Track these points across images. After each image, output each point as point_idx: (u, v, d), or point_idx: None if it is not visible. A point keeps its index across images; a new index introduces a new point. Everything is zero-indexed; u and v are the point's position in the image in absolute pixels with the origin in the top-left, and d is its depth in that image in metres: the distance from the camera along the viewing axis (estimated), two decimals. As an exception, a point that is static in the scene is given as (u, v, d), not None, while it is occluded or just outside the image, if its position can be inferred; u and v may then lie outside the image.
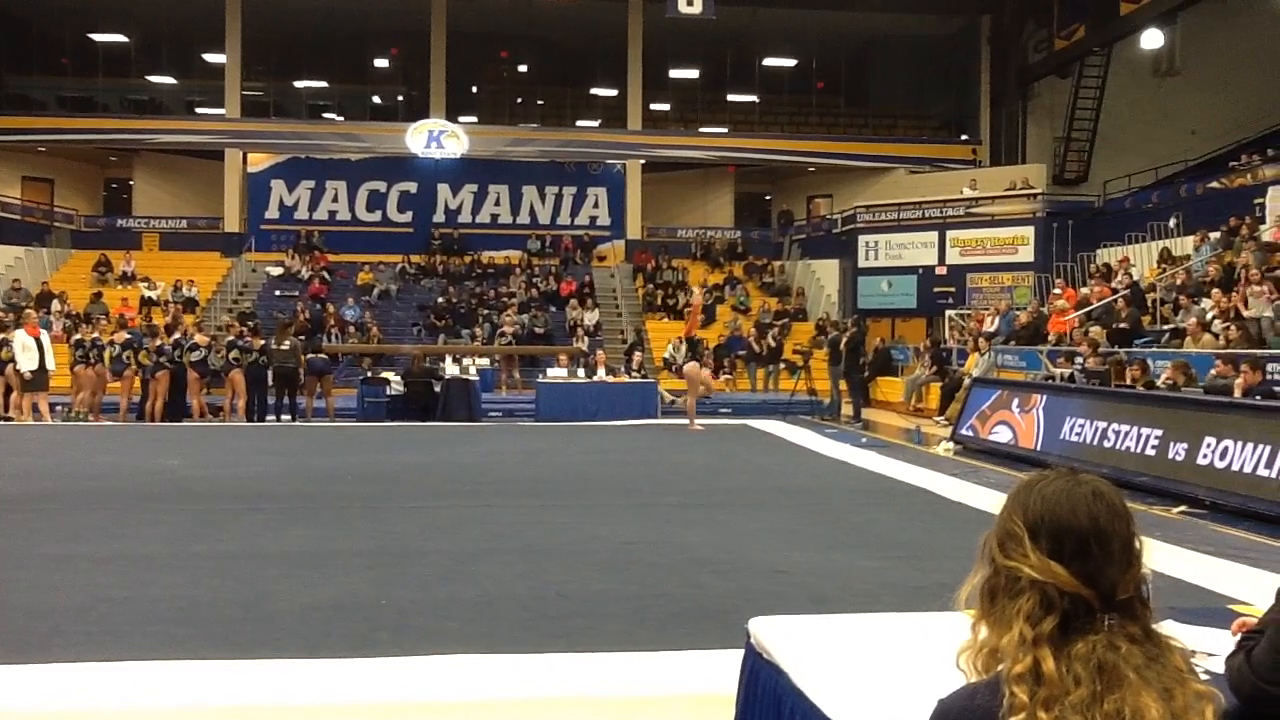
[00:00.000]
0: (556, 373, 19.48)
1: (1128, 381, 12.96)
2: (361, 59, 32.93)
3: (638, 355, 22.65)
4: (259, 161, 30.55)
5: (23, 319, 17.58)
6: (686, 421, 16.45)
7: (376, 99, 34.61)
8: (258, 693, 4.39)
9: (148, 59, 31.85)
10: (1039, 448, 12.48)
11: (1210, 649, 2.32)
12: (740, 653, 3.18)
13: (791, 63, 33.12)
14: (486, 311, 26.18)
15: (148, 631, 5.29)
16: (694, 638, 5.11)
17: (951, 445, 14.24)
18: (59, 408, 17.87)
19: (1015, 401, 13.50)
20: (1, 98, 30.45)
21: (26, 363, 16.37)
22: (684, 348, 18.28)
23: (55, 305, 23.66)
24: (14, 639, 5.13)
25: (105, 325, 19.78)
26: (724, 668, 3.91)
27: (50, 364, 16.71)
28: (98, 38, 30.49)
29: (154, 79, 32.54)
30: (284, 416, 17.98)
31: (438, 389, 18.16)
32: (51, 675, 4.51)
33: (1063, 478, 1.58)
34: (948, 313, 23.49)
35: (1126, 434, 10.98)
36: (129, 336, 18.19)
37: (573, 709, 4.32)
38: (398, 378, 18.77)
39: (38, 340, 16.45)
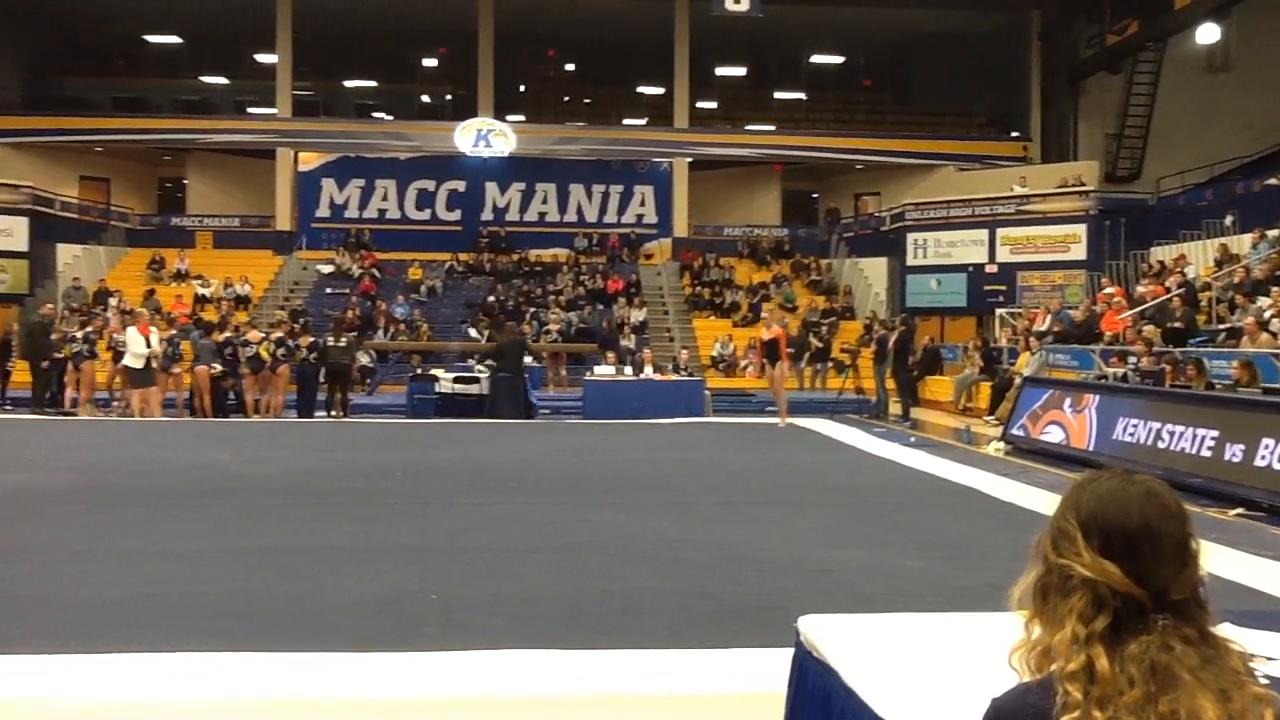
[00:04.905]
0: (604, 370, 19.51)
1: (1183, 381, 12.76)
2: (410, 59, 33.20)
3: (685, 353, 22.63)
4: (310, 160, 30.88)
5: (135, 317, 18.03)
6: (747, 421, 16.54)
7: (425, 98, 34.89)
8: (306, 685, 4.43)
9: (200, 60, 32.32)
10: (1091, 448, 12.31)
11: (1270, 653, 2.28)
12: (786, 651, 3.17)
13: (838, 60, 32.94)
14: (533, 309, 26.27)
15: (198, 624, 5.36)
16: (738, 636, 5.09)
17: (1002, 445, 14.09)
18: (113, 403, 18.19)
19: (1067, 401, 13.33)
20: (59, 99, 30.99)
21: (135, 360, 16.75)
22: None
23: (112, 302, 24.04)
24: (70, 630, 5.22)
25: (160, 322, 20.07)
26: (770, 666, 3.90)
27: (155, 362, 17.11)
28: (151, 39, 30.96)
29: (206, 79, 33.05)
30: (333, 412, 18.17)
31: (487, 388, 18.20)
32: (105, 665, 4.59)
33: (1116, 477, 1.56)
34: (998, 311, 23.25)
35: (1181, 435, 10.81)
36: (174, 333, 18.51)
37: (617, 706, 4.32)
38: (448, 374, 18.86)
39: (147, 339, 16.83)
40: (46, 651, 4.74)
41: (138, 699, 4.30)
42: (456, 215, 31.23)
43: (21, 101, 29.75)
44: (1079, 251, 24.26)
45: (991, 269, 25.30)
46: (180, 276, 27.57)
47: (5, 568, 6.60)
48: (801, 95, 33.76)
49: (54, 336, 18.24)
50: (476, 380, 18.40)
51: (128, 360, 16.88)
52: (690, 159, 30.89)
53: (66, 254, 27.11)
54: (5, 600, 5.81)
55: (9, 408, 18.34)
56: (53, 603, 5.79)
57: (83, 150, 29.93)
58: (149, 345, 16.83)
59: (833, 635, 2.84)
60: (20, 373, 18.82)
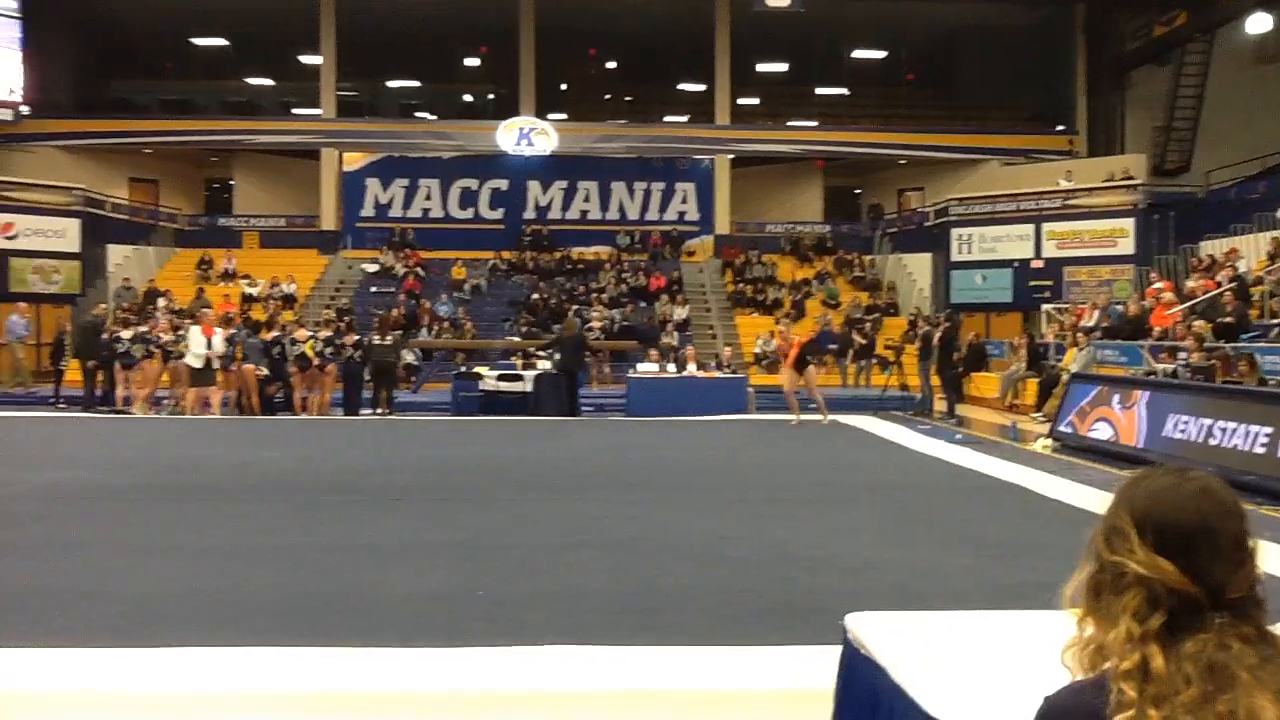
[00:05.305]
0: (647, 368, 19.52)
1: (1234, 377, 12.57)
2: (452, 58, 33.37)
3: (728, 350, 22.58)
4: (354, 160, 31.13)
5: (200, 317, 18.39)
6: (785, 417, 16.49)
7: (467, 98, 35.07)
8: (354, 680, 4.47)
9: (246, 62, 32.67)
10: (1141, 445, 12.16)
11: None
12: (831, 648, 3.17)
13: (880, 54, 32.71)
14: (576, 307, 26.33)
15: (247, 619, 5.43)
16: (784, 633, 5.09)
17: (1049, 442, 13.94)
18: (164, 402, 18.46)
19: (1116, 398, 13.17)
20: (109, 102, 31.48)
21: (196, 359, 17.07)
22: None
23: (161, 302, 24.38)
24: (120, 624, 5.31)
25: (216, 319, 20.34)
26: (816, 663, 3.89)
27: (216, 362, 17.40)
28: (198, 42, 31.36)
29: (252, 81, 33.40)
30: (379, 410, 18.32)
31: (530, 386, 18.27)
32: (155, 659, 4.65)
33: (1171, 474, 1.55)
34: (1044, 307, 23.00)
35: (1233, 431, 10.65)
36: (233, 332, 18.78)
37: (664, 702, 4.33)
38: (492, 372, 18.96)
39: (210, 339, 17.15)
40: (97, 645, 4.82)
41: (188, 692, 4.36)
42: (499, 214, 31.35)
43: (73, 105, 30.23)
44: (1127, 246, 23.94)
45: (1037, 264, 25.04)
46: (228, 276, 27.90)
47: (57, 563, 6.73)
48: (844, 91, 33.56)
49: (104, 336, 18.54)
50: (520, 378, 18.49)
51: (189, 359, 17.19)
52: (732, 156, 30.82)
53: (117, 254, 27.51)
54: (57, 594, 5.91)
55: (63, 406, 18.65)
56: (103, 597, 5.89)
57: (132, 152, 30.38)
58: (210, 346, 17.13)
59: (881, 632, 2.84)
60: (74, 371, 19.13)
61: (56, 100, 29.41)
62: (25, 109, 27.36)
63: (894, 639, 2.76)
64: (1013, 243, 25.47)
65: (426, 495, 9.63)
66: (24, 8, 26.74)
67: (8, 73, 26.82)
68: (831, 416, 16.51)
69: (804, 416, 16.38)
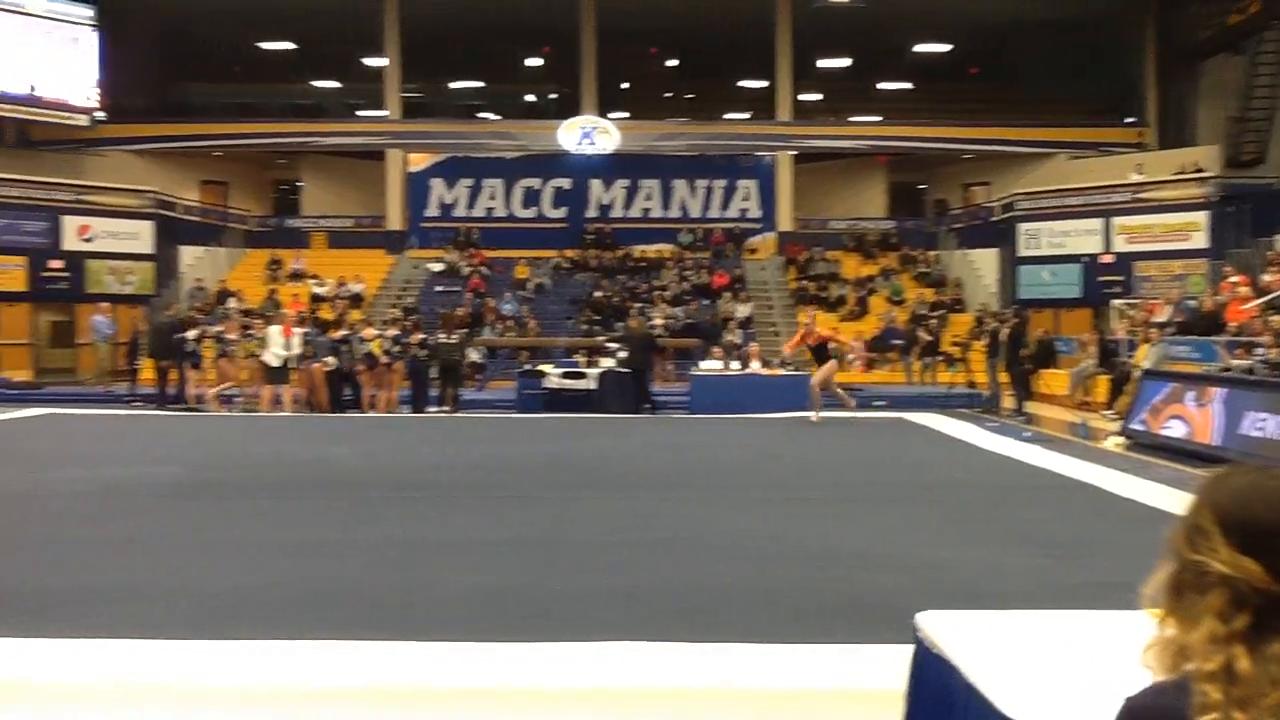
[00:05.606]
0: (710, 365, 19.50)
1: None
2: (514, 58, 33.55)
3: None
4: (419, 161, 31.46)
5: (280, 318, 18.85)
6: (845, 415, 16.37)
7: (529, 98, 35.26)
8: (413, 674, 4.52)
9: (311, 65, 33.13)
10: (1217, 443, 11.91)
11: None
12: (899, 647, 3.15)
13: (943, 48, 32.29)
14: (639, 305, 26.38)
15: (314, 613, 5.52)
16: (849, 631, 5.06)
17: (1121, 440, 13.70)
18: (235, 399, 18.81)
19: (1190, 394, 12.90)
20: (180, 106, 32.14)
21: (273, 358, 17.49)
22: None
23: (232, 302, 24.84)
24: (190, 617, 5.43)
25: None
26: (884, 662, 3.87)
27: (292, 361, 17.80)
28: (265, 46, 31.89)
29: (318, 84, 33.90)
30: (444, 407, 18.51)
31: (595, 384, 18.32)
32: (223, 651, 4.74)
33: (1254, 472, 1.52)
34: (1114, 302, 22.60)
35: (1312, 428, 10.39)
36: (309, 330, 19.11)
37: (729, 700, 4.33)
38: (556, 370, 19.07)
39: (288, 340, 17.56)
40: (166, 637, 4.92)
41: (255, 685, 4.44)
42: (562, 212, 31.49)
43: (145, 109, 30.90)
44: (1199, 240, 23.43)
45: (1107, 259, 24.60)
46: (296, 276, 28.34)
47: (129, 558, 6.89)
48: (907, 85, 33.20)
49: (177, 336, 18.93)
50: (584, 375, 18.57)
51: (266, 358, 17.58)
52: (794, 152, 30.66)
53: (189, 255, 28.08)
54: (128, 588, 6.06)
55: (138, 404, 19.07)
56: (174, 591, 6.02)
57: (202, 155, 30.98)
58: (289, 347, 17.47)
59: (952, 631, 2.82)
60: (149, 370, 19.55)
61: (130, 105, 30.06)
62: (101, 115, 28.04)
63: (967, 638, 2.74)
64: (1081, 237, 25.05)
65: (489, 491, 9.72)
66: (100, 17, 27.40)
67: (86, 81, 27.51)
68: (896, 414, 16.34)
69: (824, 413, 16.09)
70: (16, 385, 21.94)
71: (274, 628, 5.13)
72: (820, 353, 16.15)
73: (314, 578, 6.36)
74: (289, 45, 32.04)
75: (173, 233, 27.37)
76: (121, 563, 6.75)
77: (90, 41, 27.42)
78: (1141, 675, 1.55)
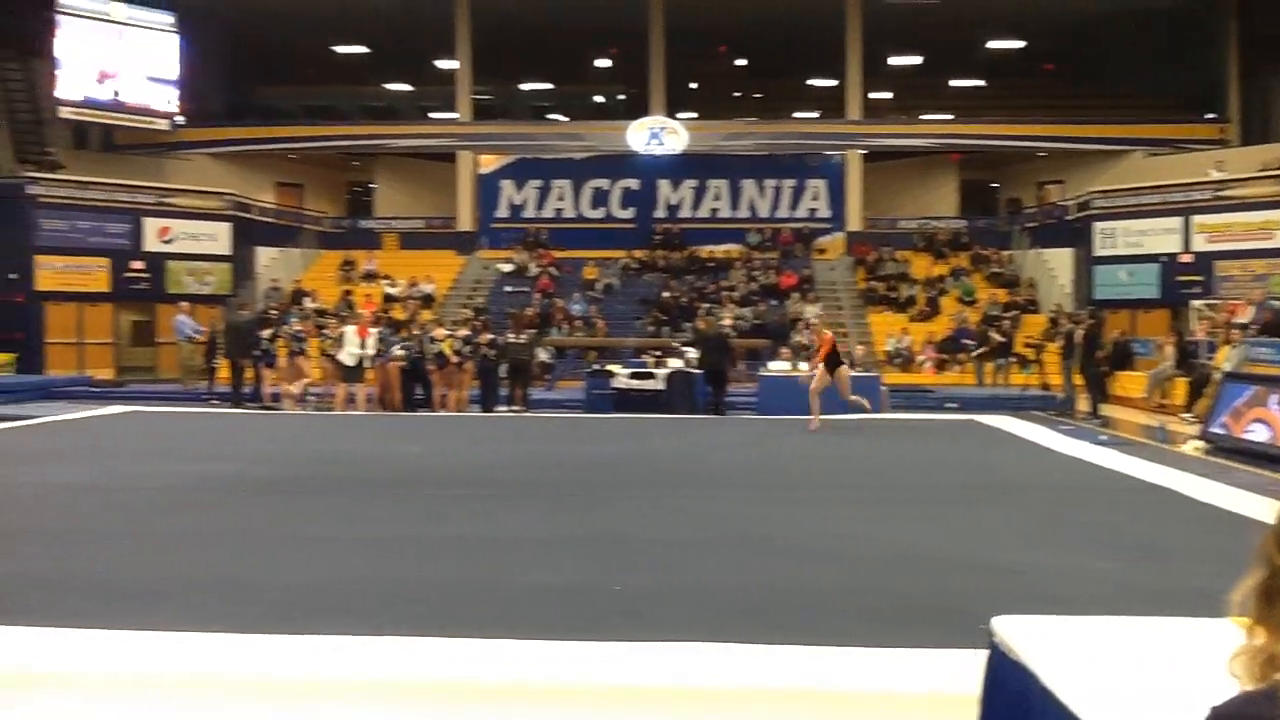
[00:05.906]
0: (778, 365, 19.42)
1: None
2: (583, 60, 33.72)
3: (861, 349, 22.32)
4: (489, 162, 31.75)
5: (356, 318, 19.26)
6: (909, 417, 16.22)
7: (598, 98, 35.42)
8: (492, 670, 4.56)
9: (384, 68, 33.62)
10: (1300, 447, 11.62)
11: None
12: (973, 652, 3.13)
13: (1016, 44, 31.82)
14: (707, 305, 26.35)
15: (386, 609, 5.58)
16: (923, 635, 5.01)
17: (1200, 444, 13.41)
18: (311, 397, 19.13)
19: (1274, 398, 12.59)
20: (255, 110, 32.77)
21: (349, 358, 17.83)
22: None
23: (307, 302, 25.27)
24: (263, 611, 5.52)
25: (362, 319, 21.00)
26: (959, 667, 3.84)
27: (367, 361, 18.10)
28: (338, 50, 32.40)
29: (391, 87, 34.40)
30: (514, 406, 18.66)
31: (663, 384, 18.33)
32: (296, 646, 4.83)
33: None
34: (1194, 303, 22.10)
35: (1402, 433, 10.08)
36: (383, 329, 19.39)
37: (806, 702, 4.32)
38: (624, 369, 19.13)
39: (364, 340, 17.90)
40: (240, 631, 5.02)
41: (328, 678, 4.53)
42: (630, 213, 31.59)
43: (223, 113, 31.56)
44: (1284, 238, 22.84)
45: (1186, 258, 24.07)
46: (369, 277, 28.75)
47: (203, 552, 7.04)
48: (979, 82, 32.78)
49: (253, 336, 19.30)
50: (652, 376, 18.61)
51: (341, 357, 17.90)
52: (863, 151, 30.42)
53: (264, 256, 28.64)
54: (202, 582, 6.17)
55: (215, 402, 19.48)
56: (247, 586, 6.13)
57: (278, 157, 31.58)
58: (364, 347, 17.77)
59: (1029, 636, 2.79)
60: (226, 369, 19.96)
61: (208, 109, 30.75)
62: (181, 119, 28.70)
63: (1044, 643, 2.71)
64: (1159, 236, 24.54)
65: (559, 489, 9.78)
66: (179, 23, 28.05)
67: (167, 86, 28.18)
68: (968, 416, 16.13)
69: (824, 416, 15.78)
70: (100, 383, 22.56)
71: (345, 623, 5.19)
72: (832, 360, 15.82)
73: (385, 573, 6.45)
74: (362, 49, 32.53)
75: (249, 234, 27.94)
76: (201, 556, 6.89)
77: (170, 47, 28.10)
78: (1227, 684, 1.53)
